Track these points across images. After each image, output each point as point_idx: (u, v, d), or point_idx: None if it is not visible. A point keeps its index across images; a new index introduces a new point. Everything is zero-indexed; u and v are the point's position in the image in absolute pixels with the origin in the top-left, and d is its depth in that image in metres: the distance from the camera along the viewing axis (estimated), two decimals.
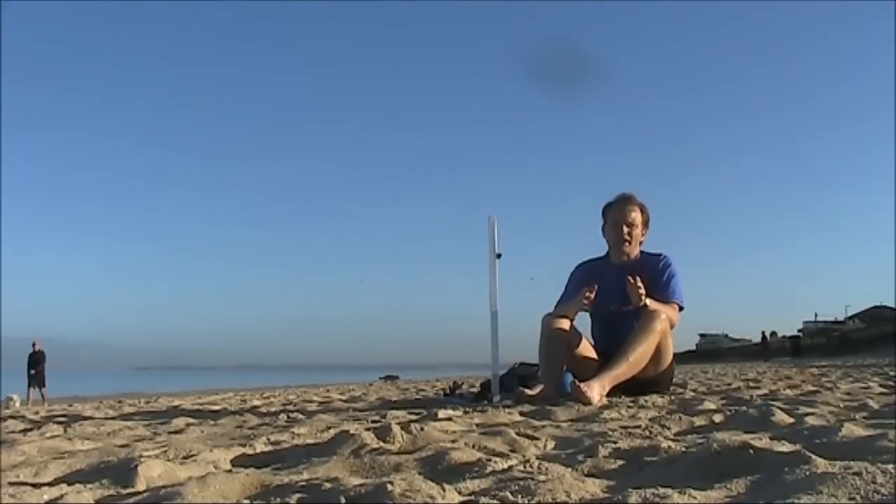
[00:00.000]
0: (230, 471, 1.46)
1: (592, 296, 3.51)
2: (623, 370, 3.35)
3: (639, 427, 2.10)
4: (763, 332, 40.96)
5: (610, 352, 3.49)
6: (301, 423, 2.66)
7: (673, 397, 3.47)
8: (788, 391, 4.00)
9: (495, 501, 1.08)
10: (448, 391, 5.02)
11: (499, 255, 3.86)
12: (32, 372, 15.55)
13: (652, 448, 1.49)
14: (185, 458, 1.71)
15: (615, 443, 1.62)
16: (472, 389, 4.69)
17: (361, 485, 1.15)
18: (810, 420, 2.07)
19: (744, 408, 2.48)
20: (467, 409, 3.00)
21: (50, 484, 1.40)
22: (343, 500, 1.10)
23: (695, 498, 1.05)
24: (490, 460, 1.41)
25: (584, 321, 3.86)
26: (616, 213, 3.81)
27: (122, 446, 2.03)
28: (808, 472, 1.11)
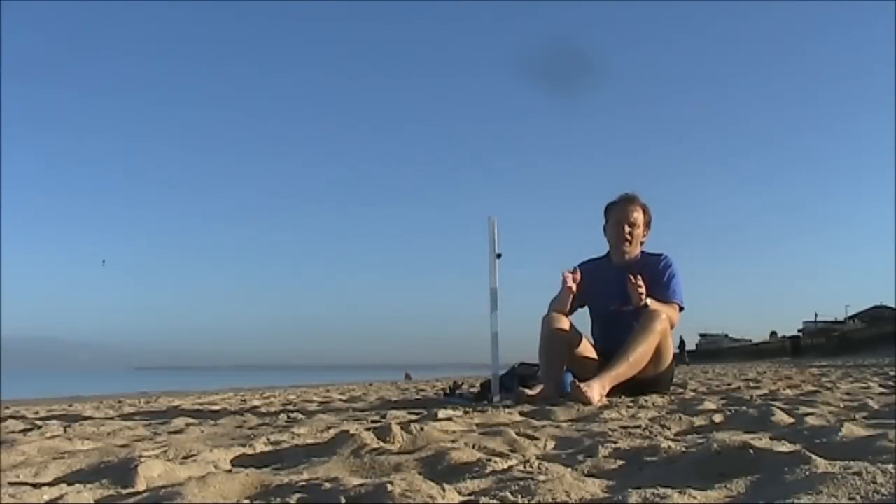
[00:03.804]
0: (230, 471, 1.46)
1: (577, 276, 3.53)
2: (623, 370, 3.35)
3: (639, 427, 2.10)
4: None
5: (610, 352, 3.49)
6: (301, 423, 2.66)
7: (673, 397, 3.47)
8: (788, 391, 4.00)
9: (495, 501, 1.08)
10: (448, 391, 5.02)
11: (499, 255, 3.86)
12: None
13: (652, 448, 1.49)
14: (185, 458, 1.71)
15: (615, 443, 1.62)
16: (472, 389, 4.68)
17: (361, 485, 1.15)
18: (810, 420, 2.07)
19: (744, 408, 2.48)
20: (467, 409, 3.00)
21: (50, 484, 1.40)
22: (343, 500, 1.10)
23: (695, 498, 1.05)
24: (490, 460, 1.41)
25: (584, 321, 3.86)
26: (618, 212, 3.82)
27: (122, 446, 2.03)
28: (808, 472, 1.11)
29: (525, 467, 1.34)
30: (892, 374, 6.76)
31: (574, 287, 3.58)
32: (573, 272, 3.58)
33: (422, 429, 1.91)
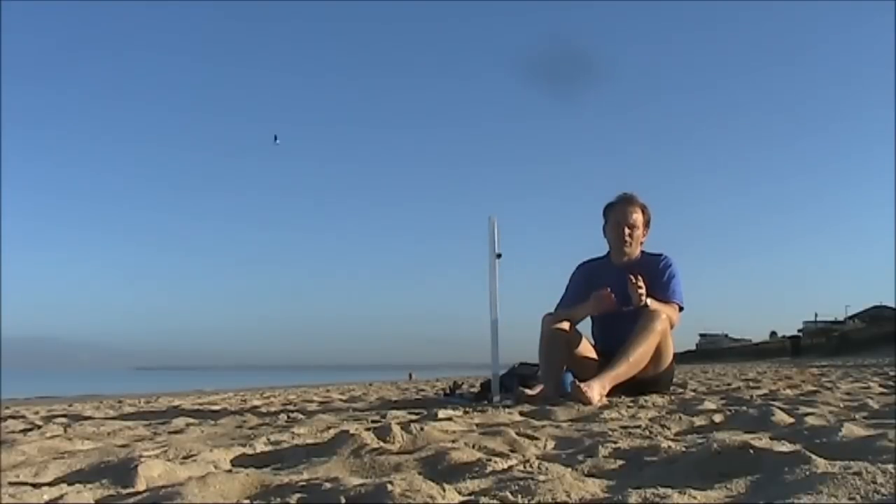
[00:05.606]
0: (230, 471, 1.46)
1: (608, 294, 3.48)
2: (623, 370, 3.35)
3: (639, 427, 2.10)
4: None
5: (610, 352, 3.49)
6: (301, 423, 2.66)
7: (673, 397, 3.47)
8: (788, 391, 4.00)
9: (495, 501, 1.08)
10: (448, 391, 5.02)
11: (499, 256, 3.86)
12: None
13: (652, 448, 1.49)
14: (185, 458, 1.71)
15: (615, 443, 1.62)
16: (472, 389, 4.68)
17: (361, 485, 1.15)
18: (810, 420, 2.07)
19: (744, 408, 2.49)
20: (467, 409, 3.00)
21: (50, 484, 1.40)
22: (343, 500, 1.10)
23: (695, 498, 1.05)
24: (490, 460, 1.41)
25: (584, 321, 3.86)
26: (617, 213, 3.82)
27: (122, 446, 2.03)
28: (808, 472, 1.12)
29: (525, 467, 1.34)
30: (892, 374, 6.76)
31: (606, 304, 3.52)
32: (601, 290, 3.53)
33: (422, 429, 1.91)
